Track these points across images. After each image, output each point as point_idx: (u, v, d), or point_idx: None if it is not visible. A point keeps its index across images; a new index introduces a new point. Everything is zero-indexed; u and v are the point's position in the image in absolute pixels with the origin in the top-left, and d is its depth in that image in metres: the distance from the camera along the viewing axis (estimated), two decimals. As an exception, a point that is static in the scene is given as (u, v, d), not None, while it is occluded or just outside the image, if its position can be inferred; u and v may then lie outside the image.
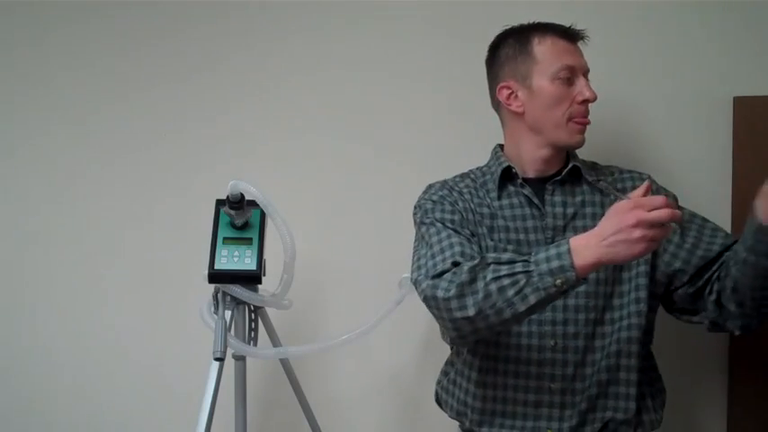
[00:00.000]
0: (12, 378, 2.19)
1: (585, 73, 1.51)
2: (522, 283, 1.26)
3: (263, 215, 1.70)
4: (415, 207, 1.59)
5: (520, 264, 1.29)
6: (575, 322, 1.45)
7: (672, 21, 1.80)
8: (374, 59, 2.00)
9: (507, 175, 1.54)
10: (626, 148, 1.79)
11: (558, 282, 1.24)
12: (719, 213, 1.74)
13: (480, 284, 1.30)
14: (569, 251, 1.25)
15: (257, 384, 2.00)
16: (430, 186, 1.60)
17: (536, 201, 1.50)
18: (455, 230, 1.47)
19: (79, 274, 2.16)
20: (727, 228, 1.72)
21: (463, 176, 1.61)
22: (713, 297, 1.45)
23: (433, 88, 1.95)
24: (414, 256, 1.50)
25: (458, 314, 1.31)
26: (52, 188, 2.18)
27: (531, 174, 1.54)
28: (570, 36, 1.51)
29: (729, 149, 1.73)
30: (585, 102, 1.49)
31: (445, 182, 1.60)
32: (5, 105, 2.20)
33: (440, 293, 1.33)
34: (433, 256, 1.42)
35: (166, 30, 2.12)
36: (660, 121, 1.80)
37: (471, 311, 1.30)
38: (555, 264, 1.25)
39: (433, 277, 1.37)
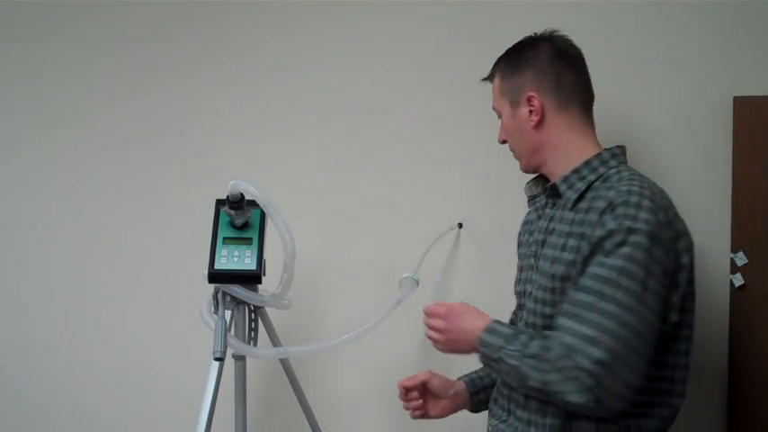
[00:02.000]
0: (12, 377, 2.19)
1: (500, 113, 1.57)
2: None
3: (263, 215, 1.70)
4: None
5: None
6: None
7: (671, 21, 1.79)
8: (375, 59, 2.00)
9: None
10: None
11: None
12: (719, 214, 1.74)
13: None
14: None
15: (257, 384, 2.00)
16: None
17: (540, 213, 1.54)
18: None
19: (79, 274, 2.16)
20: (728, 228, 1.72)
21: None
22: None
23: (435, 87, 1.95)
24: None
25: None
26: (52, 188, 2.18)
27: None
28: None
29: (729, 149, 1.73)
30: None
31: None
32: (6, 106, 2.20)
33: None
34: None
35: (166, 30, 2.12)
36: (660, 121, 1.80)
37: None
38: None
39: None
